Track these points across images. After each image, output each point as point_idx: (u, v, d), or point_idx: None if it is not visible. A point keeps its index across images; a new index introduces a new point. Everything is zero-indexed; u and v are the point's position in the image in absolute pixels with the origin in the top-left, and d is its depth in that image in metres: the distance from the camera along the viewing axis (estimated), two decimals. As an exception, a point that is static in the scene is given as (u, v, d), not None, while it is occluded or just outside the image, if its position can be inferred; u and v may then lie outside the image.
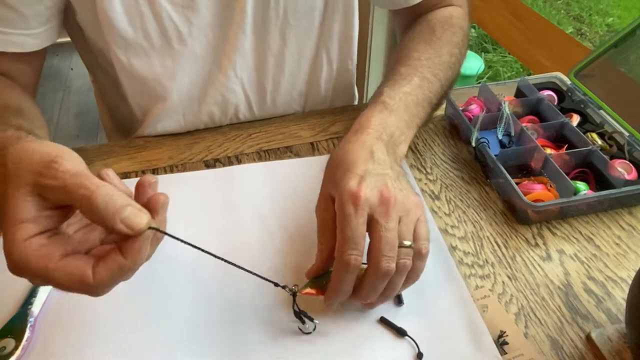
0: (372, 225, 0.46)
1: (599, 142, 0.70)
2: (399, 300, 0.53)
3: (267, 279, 0.46)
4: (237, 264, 0.44)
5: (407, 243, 0.47)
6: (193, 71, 0.71)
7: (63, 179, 0.36)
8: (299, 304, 0.49)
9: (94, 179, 0.37)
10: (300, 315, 0.49)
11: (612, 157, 0.68)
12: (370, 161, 0.50)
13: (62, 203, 0.38)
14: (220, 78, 0.73)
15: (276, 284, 0.47)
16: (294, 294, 0.49)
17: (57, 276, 0.36)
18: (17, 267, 0.37)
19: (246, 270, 0.45)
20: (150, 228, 0.37)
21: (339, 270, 0.46)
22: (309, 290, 0.50)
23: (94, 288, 0.37)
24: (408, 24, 0.76)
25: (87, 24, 0.67)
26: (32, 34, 0.61)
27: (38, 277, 0.37)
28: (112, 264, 0.36)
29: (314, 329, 0.50)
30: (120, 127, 0.86)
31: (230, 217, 0.62)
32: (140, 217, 0.36)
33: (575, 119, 0.74)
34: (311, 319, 0.49)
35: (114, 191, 0.36)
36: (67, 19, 0.67)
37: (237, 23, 0.68)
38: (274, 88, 0.78)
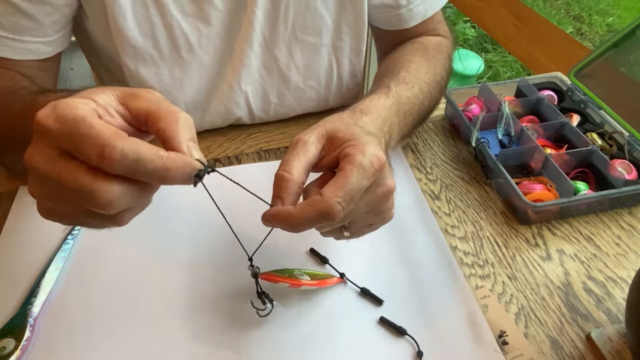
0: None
1: (599, 142, 0.70)
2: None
3: (249, 257, 0.47)
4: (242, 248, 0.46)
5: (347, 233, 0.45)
6: (199, 82, 0.71)
7: (154, 93, 0.37)
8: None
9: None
10: (262, 296, 0.49)
11: (612, 157, 0.68)
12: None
13: (141, 115, 0.36)
14: (224, 90, 0.73)
15: (250, 259, 0.47)
16: (255, 275, 0.48)
17: (93, 126, 0.32)
18: (55, 117, 0.32)
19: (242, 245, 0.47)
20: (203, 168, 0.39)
21: (314, 208, 0.39)
22: (270, 275, 0.50)
23: (120, 151, 0.32)
24: (391, 48, 0.75)
25: (97, 31, 0.67)
26: (46, 42, 0.62)
27: (71, 129, 0.32)
28: (143, 145, 0.33)
29: (271, 311, 0.49)
30: None
31: (230, 218, 0.62)
32: (198, 151, 0.37)
33: (575, 119, 0.74)
34: (271, 301, 0.49)
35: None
36: (76, 23, 0.67)
37: (244, 35, 0.68)
38: (279, 101, 0.77)
